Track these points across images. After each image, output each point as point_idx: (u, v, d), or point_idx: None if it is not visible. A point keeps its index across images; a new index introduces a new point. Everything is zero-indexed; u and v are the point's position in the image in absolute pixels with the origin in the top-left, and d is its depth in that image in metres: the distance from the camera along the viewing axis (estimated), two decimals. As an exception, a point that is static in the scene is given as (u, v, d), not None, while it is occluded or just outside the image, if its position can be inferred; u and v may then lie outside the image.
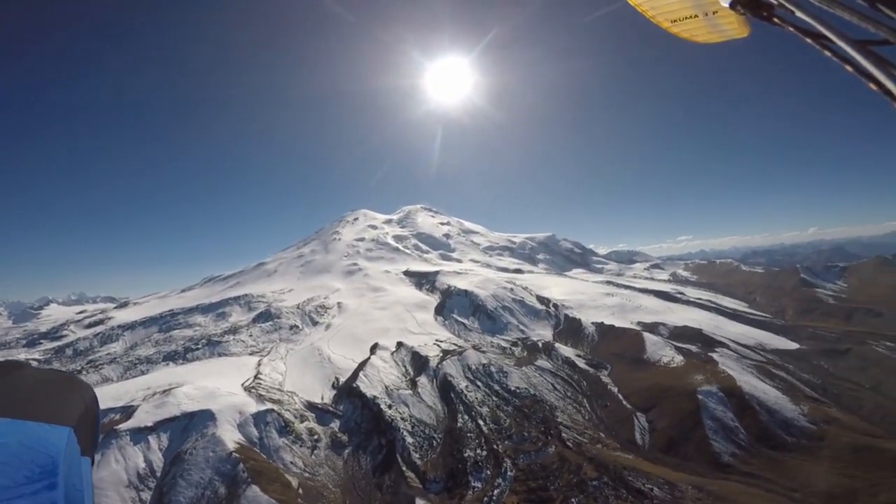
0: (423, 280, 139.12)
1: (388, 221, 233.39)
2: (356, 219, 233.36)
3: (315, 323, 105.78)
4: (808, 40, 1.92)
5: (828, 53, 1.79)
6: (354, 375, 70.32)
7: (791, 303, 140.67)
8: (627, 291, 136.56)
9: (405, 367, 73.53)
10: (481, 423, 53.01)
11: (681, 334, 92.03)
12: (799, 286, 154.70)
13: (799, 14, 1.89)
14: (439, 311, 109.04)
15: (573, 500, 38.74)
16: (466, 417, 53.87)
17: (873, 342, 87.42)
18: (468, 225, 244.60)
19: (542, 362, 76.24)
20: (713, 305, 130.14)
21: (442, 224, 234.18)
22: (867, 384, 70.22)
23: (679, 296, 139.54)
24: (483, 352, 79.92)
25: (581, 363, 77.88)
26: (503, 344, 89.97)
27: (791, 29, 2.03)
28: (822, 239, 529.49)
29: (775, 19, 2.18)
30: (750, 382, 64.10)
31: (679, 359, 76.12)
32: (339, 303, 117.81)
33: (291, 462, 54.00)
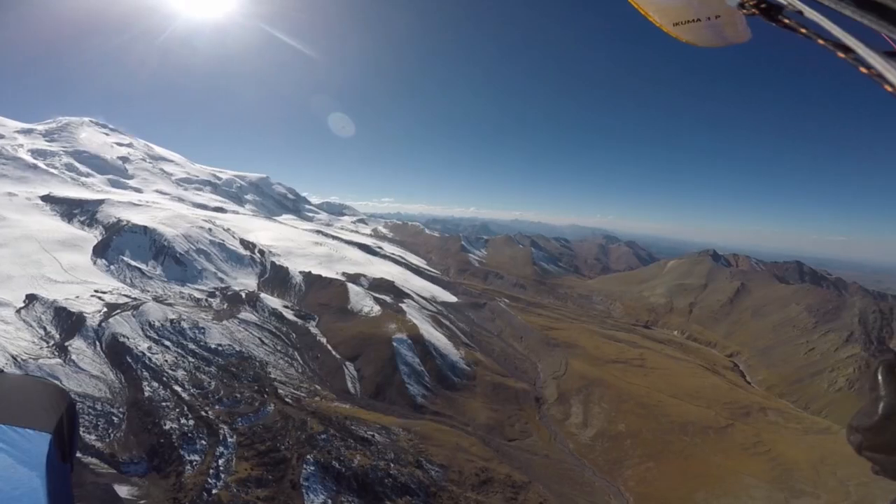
0: (75, 209, 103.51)
1: (28, 132, 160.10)
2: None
3: None
4: (822, 43, 1.93)
5: (841, 55, 1.83)
6: (-56, 344, 45.81)
7: (454, 263, 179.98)
8: (335, 242, 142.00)
9: (44, 328, 52.91)
10: (178, 389, 44.48)
11: (378, 286, 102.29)
12: (460, 251, 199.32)
13: (810, 16, 1.89)
14: (101, 252, 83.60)
15: (308, 456, 37.95)
16: (156, 384, 44.01)
17: (499, 299, 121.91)
18: (159, 150, 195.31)
19: (247, 315, 70.20)
20: (403, 261, 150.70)
21: (119, 145, 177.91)
22: (495, 332, 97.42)
23: (378, 250, 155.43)
24: (170, 304, 66.61)
25: (289, 315, 76.02)
26: (197, 295, 77.65)
27: (804, 32, 2.04)
28: (476, 216, 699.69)
29: (786, 21, 2.17)
30: (428, 330, 77.94)
31: (377, 309, 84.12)
32: None
33: None
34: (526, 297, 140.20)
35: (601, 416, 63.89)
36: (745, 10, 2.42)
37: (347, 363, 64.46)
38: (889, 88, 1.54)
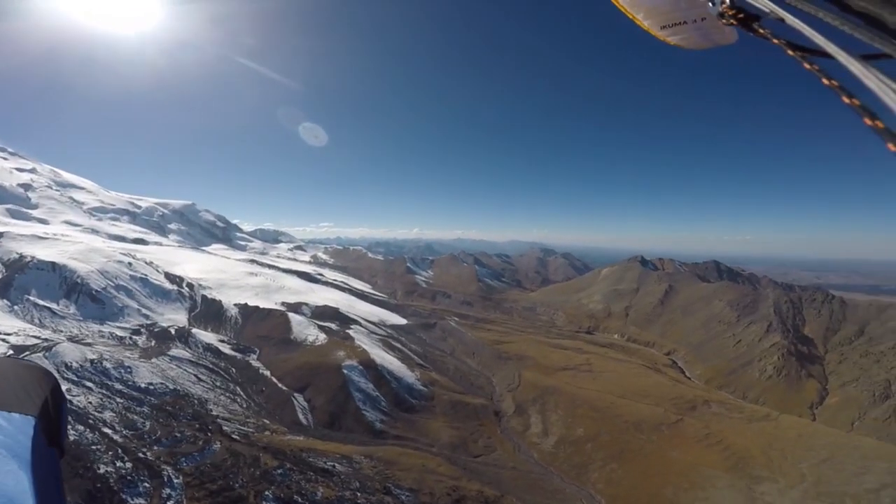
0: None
1: None
2: None
3: None
4: (791, 53, 1.98)
5: (808, 67, 1.89)
6: None
7: (401, 285, 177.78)
8: (272, 271, 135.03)
9: (-76, 382, 44.48)
10: (108, 431, 38.93)
11: (322, 313, 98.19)
12: (406, 272, 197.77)
13: (790, 25, 1.93)
14: (1, 292, 73.36)
15: (267, 492, 34.12)
16: (81, 427, 38.23)
17: (448, 317, 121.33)
18: (68, 177, 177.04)
19: (179, 351, 63.77)
20: (347, 286, 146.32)
21: (20, 170, 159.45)
22: (448, 351, 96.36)
23: (319, 277, 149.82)
24: (88, 344, 58.90)
25: (226, 349, 70.29)
26: (119, 333, 69.67)
27: (776, 41, 2.11)
28: (420, 238, 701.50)
29: (762, 30, 2.26)
30: (380, 355, 75.39)
31: (322, 337, 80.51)
32: None
33: None
34: (474, 313, 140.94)
35: (559, 423, 64.56)
36: (724, 20, 2.53)
37: (296, 394, 60.41)
38: (846, 100, 1.59)
